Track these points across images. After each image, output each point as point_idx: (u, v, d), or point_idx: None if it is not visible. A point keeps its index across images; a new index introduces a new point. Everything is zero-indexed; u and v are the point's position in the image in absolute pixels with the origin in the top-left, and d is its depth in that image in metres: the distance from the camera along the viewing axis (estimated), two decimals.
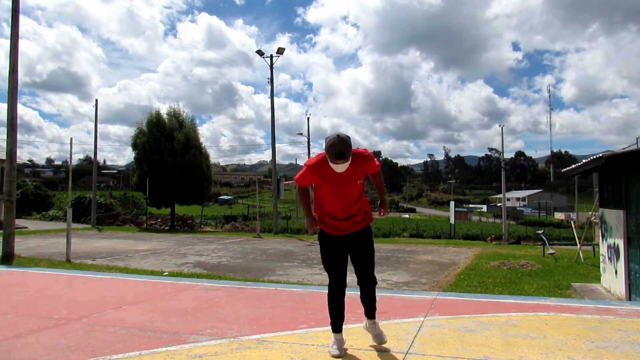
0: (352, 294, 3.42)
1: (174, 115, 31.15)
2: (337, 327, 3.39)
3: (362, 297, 3.45)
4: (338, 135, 3.04)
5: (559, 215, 60.29)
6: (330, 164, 3.13)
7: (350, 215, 3.30)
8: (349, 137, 3.06)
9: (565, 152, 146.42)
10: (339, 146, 2.99)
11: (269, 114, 28.11)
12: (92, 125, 31.36)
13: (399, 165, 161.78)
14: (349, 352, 3.39)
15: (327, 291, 3.40)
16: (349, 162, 3.13)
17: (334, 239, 3.33)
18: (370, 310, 3.46)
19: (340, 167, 3.13)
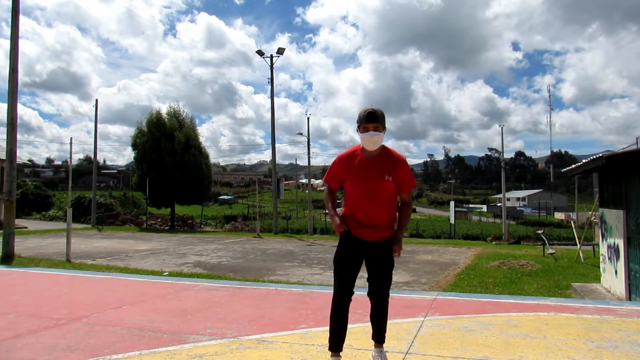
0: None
1: (174, 115, 31.18)
2: (336, 345, 3.03)
3: (372, 314, 3.13)
4: (371, 105, 3.10)
5: (559, 215, 60.25)
6: (361, 137, 3.04)
7: (375, 224, 3.03)
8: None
9: (565, 152, 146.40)
10: (371, 109, 3.03)
11: (269, 114, 28.15)
12: (92, 125, 31.43)
13: None
14: (349, 352, 3.39)
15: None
16: (382, 138, 3.03)
17: (356, 241, 3.05)
18: (379, 333, 3.13)
19: (370, 138, 3.00)
